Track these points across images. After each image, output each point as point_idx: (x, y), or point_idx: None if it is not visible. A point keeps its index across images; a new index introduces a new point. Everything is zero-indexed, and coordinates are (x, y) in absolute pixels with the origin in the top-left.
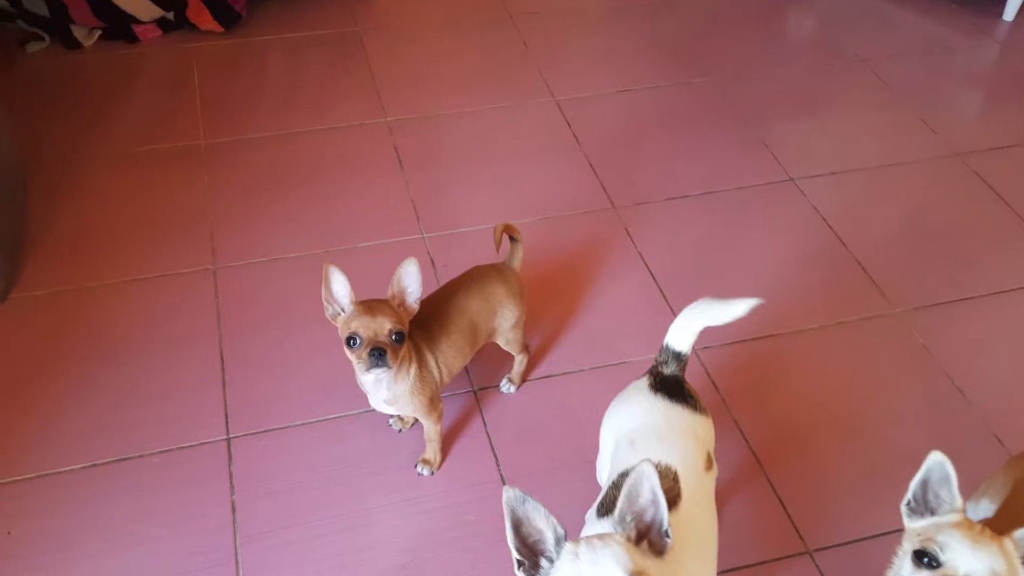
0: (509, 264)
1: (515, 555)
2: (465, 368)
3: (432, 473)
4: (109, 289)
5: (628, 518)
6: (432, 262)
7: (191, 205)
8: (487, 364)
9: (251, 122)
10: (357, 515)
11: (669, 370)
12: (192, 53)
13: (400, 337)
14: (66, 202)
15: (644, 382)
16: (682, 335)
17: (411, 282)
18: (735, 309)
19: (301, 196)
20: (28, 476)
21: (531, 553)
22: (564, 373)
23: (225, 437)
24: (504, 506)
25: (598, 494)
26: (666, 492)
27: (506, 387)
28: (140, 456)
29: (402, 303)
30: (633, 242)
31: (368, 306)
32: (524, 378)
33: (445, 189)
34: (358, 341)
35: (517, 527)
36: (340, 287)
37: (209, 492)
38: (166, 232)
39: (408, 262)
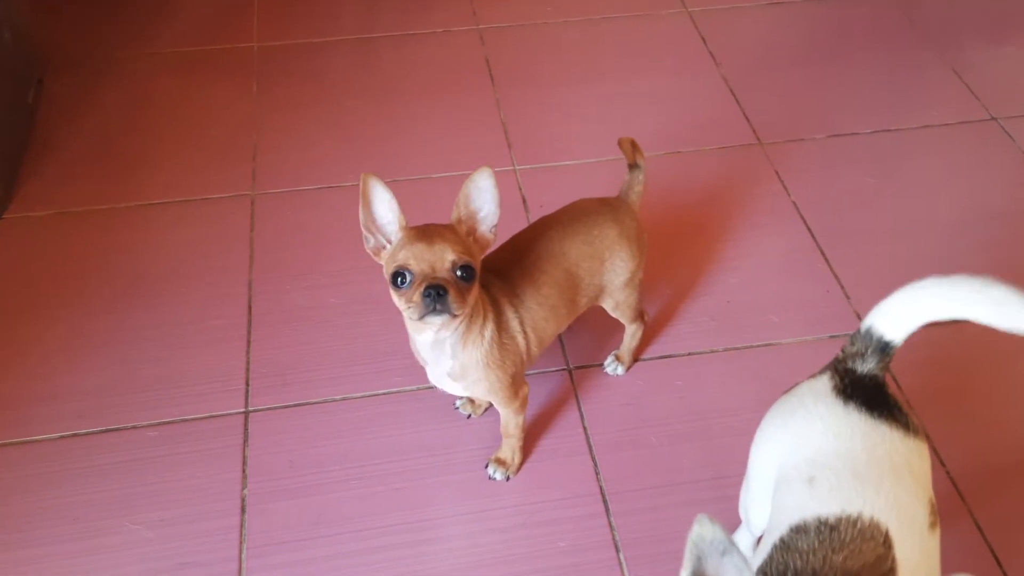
0: (624, 199)
1: None
2: (559, 338)
3: (508, 478)
4: (122, 214)
5: None
6: (524, 201)
7: (232, 118)
8: (587, 334)
9: (312, 24)
10: (405, 529)
11: (866, 367)
12: None
13: (469, 273)
14: (86, 108)
15: (824, 383)
16: (901, 319)
17: (485, 202)
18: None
19: (366, 113)
20: None
21: None
22: (689, 354)
23: (243, 410)
24: (689, 544)
25: (735, 531)
26: (874, 563)
27: (612, 367)
28: (133, 427)
29: (472, 231)
30: (785, 188)
31: (423, 231)
32: (636, 356)
33: (544, 113)
34: (408, 278)
35: None
36: (384, 207)
37: (215, 483)
38: (199, 149)
39: (480, 174)
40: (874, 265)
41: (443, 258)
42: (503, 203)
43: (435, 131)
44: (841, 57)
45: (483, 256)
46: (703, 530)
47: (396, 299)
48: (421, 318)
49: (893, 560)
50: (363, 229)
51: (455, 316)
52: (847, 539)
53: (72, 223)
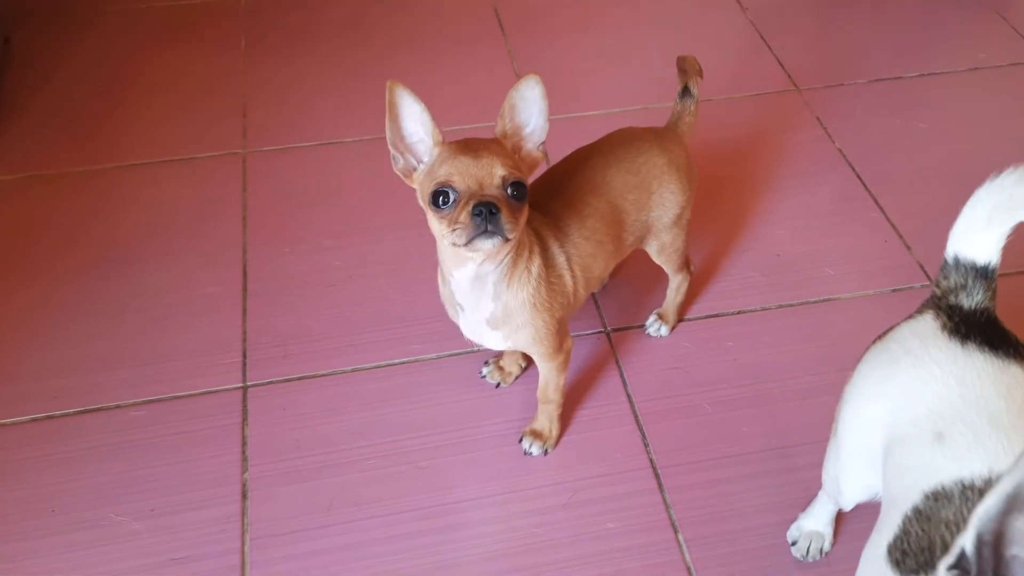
0: (673, 127)
1: (968, 548)
2: (593, 298)
3: (546, 452)
4: (99, 176)
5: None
6: (544, 155)
7: (219, 74)
8: (624, 293)
9: None
10: (429, 514)
11: (973, 301)
12: None
13: (521, 191)
14: (58, 67)
15: (929, 324)
16: (985, 233)
17: (532, 114)
18: None
19: (364, 66)
20: None
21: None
22: (739, 312)
23: (240, 385)
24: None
25: (808, 505)
26: None
27: (655, 327)
28: (116, 407)
29: (518, 148)
30: (828, 134)
31: (467, 145)
32: (681, 315)
33: (560, 61)
34: (452, 197)
35: (1009, 507)
36: (414, 121)
37: (211, 466)
38: (184, 106)
39: (527, 82)
40: (932, 211)
41: (492, 173)
42: None
43: (441, 83)
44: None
45: (530, 178)
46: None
47: (435, 223)
48: (469, 242)
49: None
50: (390, 147)
51: (507, 240)
52: None
53: (43, 187)
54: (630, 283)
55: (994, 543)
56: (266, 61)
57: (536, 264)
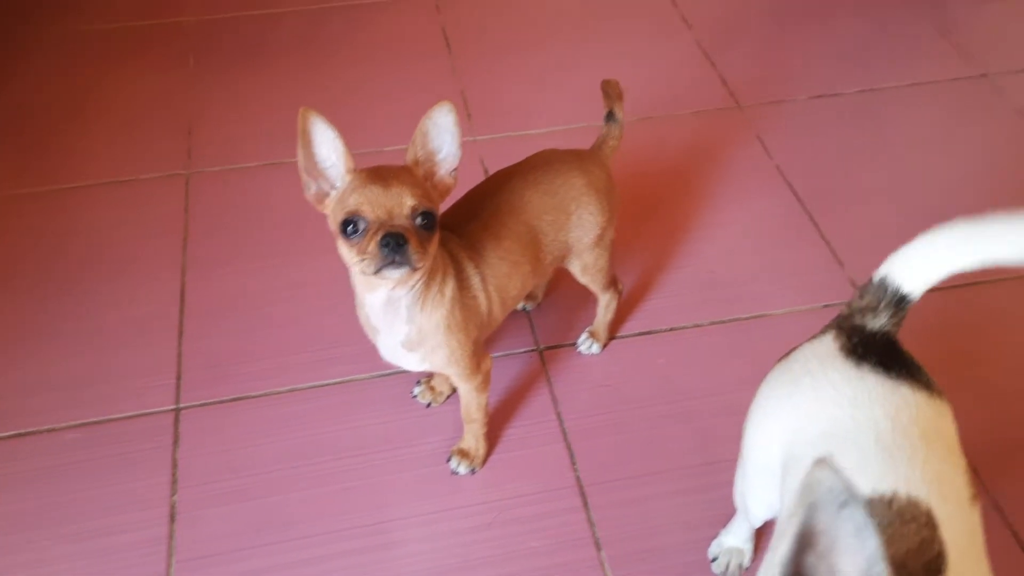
0: (596, 150)
1: None
2: (527, 317)
3: (473, 471)
4: (44, 199)
5: None
6: (486, 173)
7: (166, 95)
8: (558, 311)
9: None
10: (359, 534)
11: (878, 323)
12: None
13: (430, 221)
14: (3, 88)
15: (829, 345)
16: (924, 267)
17: (445, 141)
18: None
19: (313, 87)
20: None
21: None
22: (671, 329)
23: (173, 407)
24: (802, 489)
25: (729, 522)
26: (919, 549)
27: (586, 345)
28: (49, 431)
29: (430, 175)
30: (767, 151)
31: (377, 173)
32: (612, 333)
33: (505, 81)
34: (361, 226)
35: (806, 541)
36: (327, 147)
37: (140, 489)
38: (129, 128)
39: (439, 109)
40: (866, 228)
41: (402, 203)
42: (463, 173)
43: (388, 102)
44: (818, 17)
45: (443, 204)
46: (822, 475)
47: (346, 252)
48: (377, 272)
49: (941, 542)
50: (302, 173)
51: (415, 270)
52: (883, 523)
53: None
54: (563, 301)
55: None
56: (213, 81)
57: (450, 286)
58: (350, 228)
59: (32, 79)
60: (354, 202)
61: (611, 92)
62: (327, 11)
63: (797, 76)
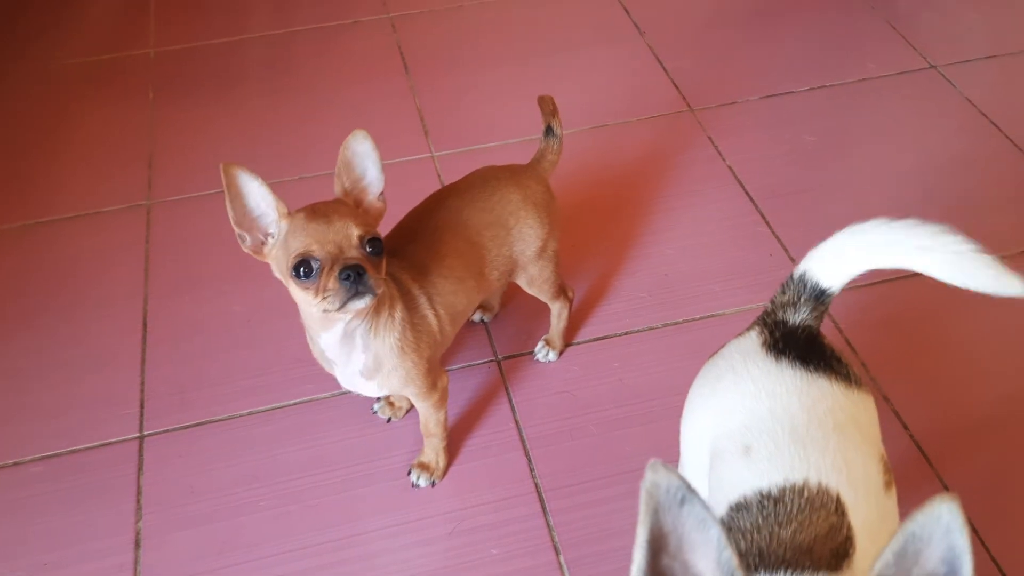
0: (534, 165)
1: None
2: (485, 327)
3: (434, 484)
4: (4, 235)
5: None
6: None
7: (126, 127)
8: (515, 322)
9: (213, 26)
10: (323, 550)
11: (798, 317)
12: None
13: (378, 246)
14: None
15: (752, 340)
16: (841, 264)
17: (367, 167)
18: (978, 279)
19: (272, 112)
20: None
21: None
22: (626, 333)
23: (137, 435)
24: (643, 496)
25: None
26: (827, 534)
27: (543, 353)
28: (14, 464)
29: (360, 202)
30: (719, 153)
31: (315, 211)
32: (568, 340)
33: (462, 97)
34: (314, 266)
35: (657, 544)
36: (256, 197)
37: (106, 517)
38: (90, 162)
39: (354, 138)
40: (818, 225)
41: (348, 235)
42: (422, 189)
43: (346, 123)
44: (768, 16)
45: (379, 227)
46: (657, 477)
47: (300, 294)
48: (343, 306)
49: (849, 528)
50: (235, 227)
51: (375, 296)
52: (794, 511)
53: None
54: (520, 311)
55: None
56: (173, 111)
57: (399, 309)
58: (303, 270)
59: None
60: (301, 244)
61: (546, 108)
62: (286, 36)
63: (749, 77)
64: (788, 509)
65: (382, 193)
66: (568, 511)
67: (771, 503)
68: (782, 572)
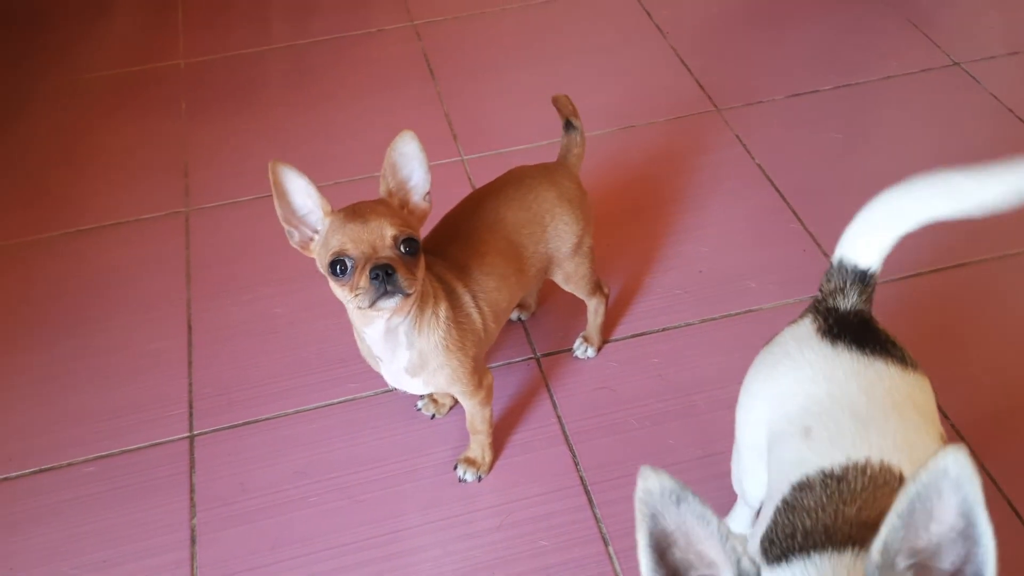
0: (563, 162)
1: None
2: (523, 326)
3: (480, 479)
4: (46, 245)
5: (900, 559)
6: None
7: (161, 137)
8: (552, 320)
9: (241, 36)
10: (372, 544)
11: (848, 303)
12: None
13: (413, 247)
14: (6, 139)
15: (807, 327)
16: (870, 240)
17: (413, 168)
18: (990, 188)
19: (302, 119)
20: None
21: None
22: (664, 329)
23: (187, 435)
24: (637, 504)
25: (730, 510)
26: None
27: (582, 350)
28: (68, 465)
29: (405, 203)
30: (748, 151)
31: (355, 211)
32: (606, 336)
33: (489, 101)
34: (349, 264)
35: (661, 545)
36: (301, 195)
37: (161, 515)
38: (127, 171)
39: (402, 139)
40: (849, 219)
41: (383, 235)
42: (454, 193)
43: (375, 129)
44: (790, 16)
45: (422, 228)
46: (649, 483)
47: (338, 290)
48: (372, 304)
49: None
50: (283, 224)
51: (408, 296)
52: (858, 488)
53: None
54: (557, 309)
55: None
56: (206, 120)
57: (443, 308)
58: (339, 268)
59: (30, 129)
60: (337, 243)
61: (562, 107)
62: (312, 45)
63: (774, 76)
64: (852, 487)
65: (428, 194)
66: (615, 503)
67: (834, 482)
68: (850, 548)
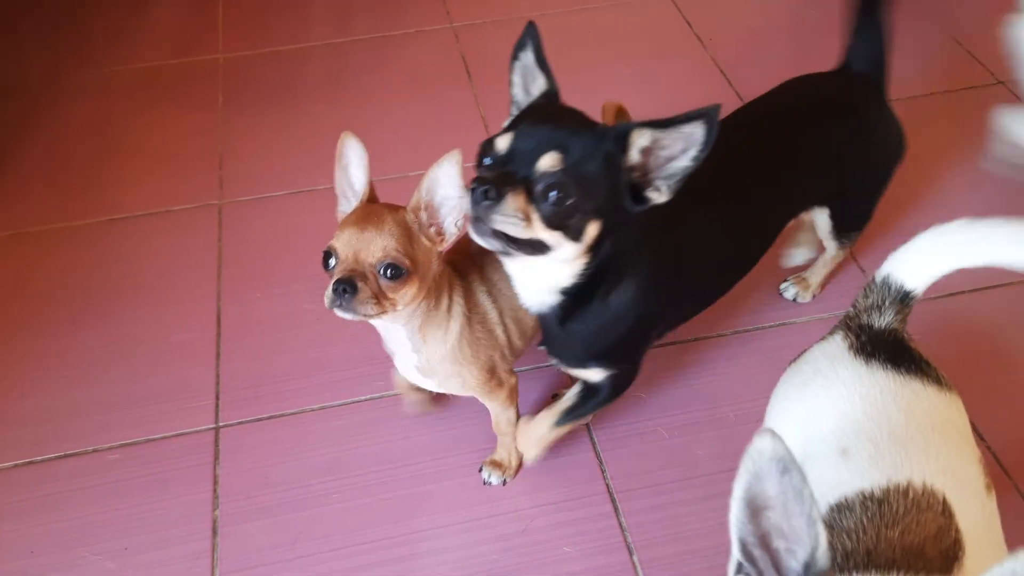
0: None
1: (736, 554)
2: None
3: (505, 482)
4: (81, 232)
5: None
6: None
7: (197, 129)
8: None
9: (281, 32)
10: (393, 543)
11: (884, 321)
12: None
13: (395, 272)
14: (41, 131)
15: (838, 344)
16: (926, 263)
17: (451, 193)
18: None
19: (338, 117)
20: None
21: (761, 558)
22: (695, 339)
23: (213, 426)
24: (745, 458)
25: None
26: (936, 536)
27: None
28: (93, 451)
29: (432, 221)
30: None
31: (362, 213)
32: None
33: None
34: (332, 262)
35: (758, 504)
36: (357, 168)
37: (183, 505)
38: (162, 162)
39: (450, 158)
40: (886, 236)
41: (369, 250)
42: None
43: (411, 129)
44: (830, 31)
45: (445, 247)
46: (763, 443)
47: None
48: (329, 308)
49: (957, 530)
50: (337, 192)
51: (358, 315)
52: (900, 511)
53: (26, 244)
54: None
55: (761, 543)
56: (242, 115)
57: (457, 321)
58: (327, 259)
59: (71, 120)
60: (336, 235)
61: (609, 116)
62: (351, 44)
63: None
64: (894, 509)
65: (460, 220)
66: (641, 512)
67: (875, 504)
68: (894, 573)
